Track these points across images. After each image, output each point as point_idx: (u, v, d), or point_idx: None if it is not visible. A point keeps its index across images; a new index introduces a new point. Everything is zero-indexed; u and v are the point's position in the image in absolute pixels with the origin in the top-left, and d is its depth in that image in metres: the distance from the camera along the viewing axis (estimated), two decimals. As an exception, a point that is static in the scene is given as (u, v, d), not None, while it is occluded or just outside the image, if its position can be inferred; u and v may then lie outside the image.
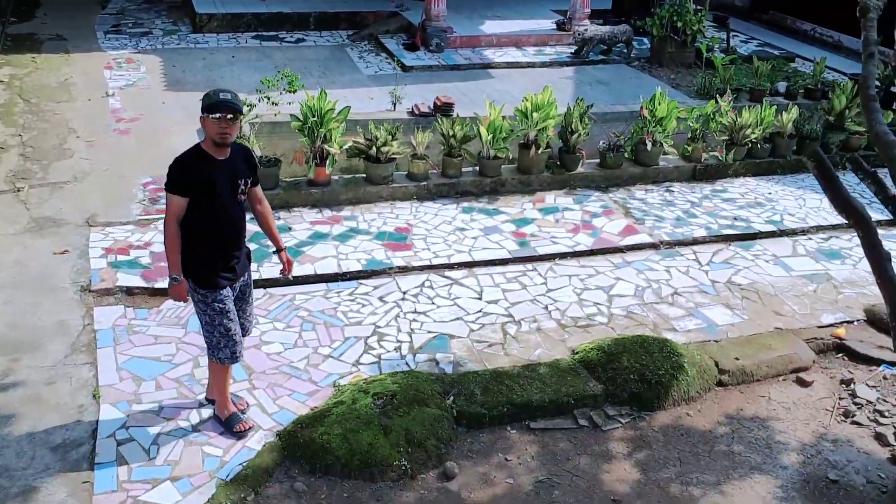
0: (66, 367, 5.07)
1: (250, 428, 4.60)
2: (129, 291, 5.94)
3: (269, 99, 7.43)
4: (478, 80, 11.35)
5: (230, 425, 4.58)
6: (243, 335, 4.61)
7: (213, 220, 4.24)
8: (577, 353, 5.54)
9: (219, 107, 4.08)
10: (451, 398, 4.97)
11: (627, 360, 5.28)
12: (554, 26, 13.35)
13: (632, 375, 5.21)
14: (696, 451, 4.86)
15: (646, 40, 12.91)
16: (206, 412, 4.73)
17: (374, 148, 7.46)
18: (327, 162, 7.36)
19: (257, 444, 4.53)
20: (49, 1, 13.95)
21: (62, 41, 12.08)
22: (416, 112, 9.45)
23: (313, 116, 7.26)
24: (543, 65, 12.24)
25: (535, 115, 7.82)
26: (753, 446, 4.93)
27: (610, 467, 4.68)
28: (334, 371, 5.18)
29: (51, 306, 5.68)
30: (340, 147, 7.47)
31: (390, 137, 7.52)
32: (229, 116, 4.11)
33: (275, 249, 4.76)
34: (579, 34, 12.43)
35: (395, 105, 9.83)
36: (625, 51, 12.56)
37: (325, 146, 7.34)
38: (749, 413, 5.23)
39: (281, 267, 4.78)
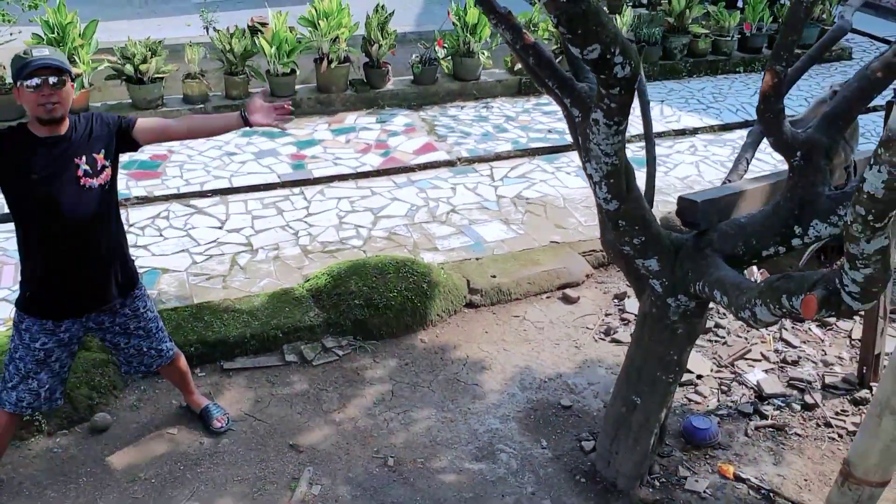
0: None
1: None
2: None
3: (3, 17, 6.44)
4: (316, 4, 10.39)
5: None
6: (140, 369, 3.49)
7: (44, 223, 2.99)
8: (308, 280, 4.80)
9: (35, 70, 2.79)
10: (133, 339, 4.19)
11: (355, 284, 4.55)
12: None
13: (357, 301, 4.47)
14: (416, 383, 4.16)
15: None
16: None
17: (130, 66, 6.55)
18: (74, 86, 6.41)
19: None
20: None
21: None
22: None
23: (52, 33, 6.32)
24: (393, -15, 11.31)
25: (322, 24, 6.95)
26: (486, 372, 4.24)
27: (304, 408, 3.96)
28: (-4, 317, 4.37)
29: None
30: (93, 69, 6.54)
31: (150, 54, 6.60)
32: (52, 81, 2.83)
33: (240, 115, 3.25)
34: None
35: (207, 30, 8.91)
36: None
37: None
38: (494, 336, 4.54)
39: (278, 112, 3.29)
